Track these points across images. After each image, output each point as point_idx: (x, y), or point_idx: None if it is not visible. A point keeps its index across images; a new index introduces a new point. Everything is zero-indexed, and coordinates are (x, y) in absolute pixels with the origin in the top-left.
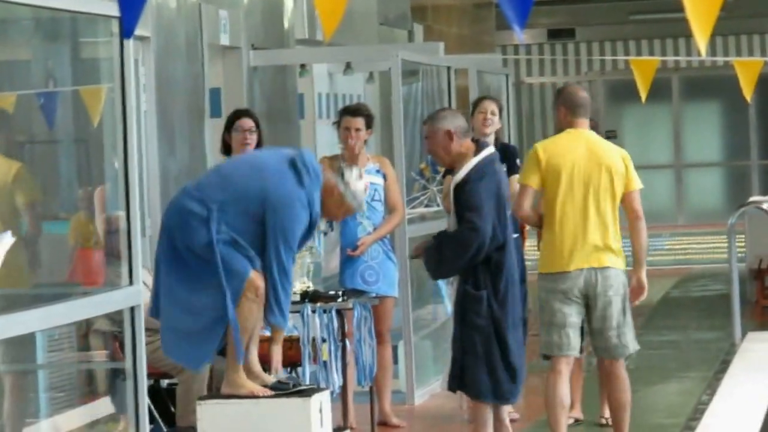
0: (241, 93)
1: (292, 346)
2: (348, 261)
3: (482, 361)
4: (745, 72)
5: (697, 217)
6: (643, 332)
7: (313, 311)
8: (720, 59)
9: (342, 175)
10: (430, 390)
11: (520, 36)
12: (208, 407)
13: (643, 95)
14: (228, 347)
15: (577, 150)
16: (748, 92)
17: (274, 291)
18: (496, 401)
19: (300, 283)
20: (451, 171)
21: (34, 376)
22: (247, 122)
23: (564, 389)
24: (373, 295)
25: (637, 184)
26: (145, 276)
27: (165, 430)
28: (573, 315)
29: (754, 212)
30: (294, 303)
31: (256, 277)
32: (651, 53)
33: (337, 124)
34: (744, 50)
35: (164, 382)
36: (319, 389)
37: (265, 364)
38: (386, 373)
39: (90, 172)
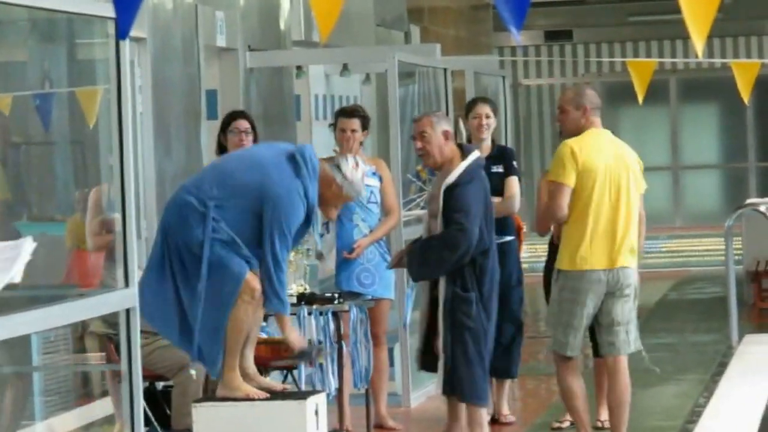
0: (238, 94)
1: (287, 348)
2: (344, 263)
3: (475, 363)
4: (743, 74)
5: (694, 219)
6: (640, 334)
7: (310, 313)
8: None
9: (338, 167)
10: (426, 392)
11: (517, 37)
12: (204, 410)
13: (641, 97)
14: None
15: (607, 150)
16: (745, 94)
17: (269, 281)
18: (486, 402)
19: (296, 285)
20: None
21: (29, 378)
22: (243, 123)
23: (582, 384)
24: (369, 297)
25: (644, 186)
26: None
27: None
28: (589, 317)
29: (752, 214)
30: (290, 305)
31: (252, 279)
32: (648, 55)
33: (333, 125)
34: (742, 52)
35: (160, 385)
36: (315, 392)
37: (261, 366)
38: (382, 375)
39: (86, 174)
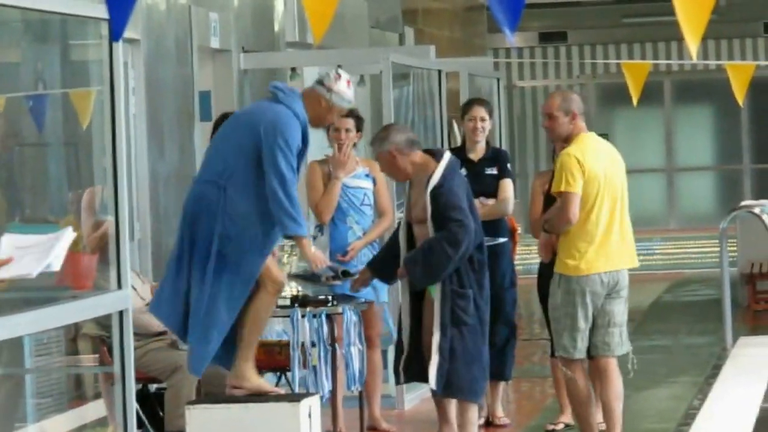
0: (231, 96)
1: (281, 350)
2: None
3: (474, 360)
4: (738, 76)
5: (688, 221)
6: (634, 337)
7: (303, 316)
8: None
9: (321, 83)
10: (420, 395)
11: (510, 39)
12: (197, 412)
13: (635, 99)
14: (238, 341)
15: (603, 155)
16: (740, 96)
17: (278, 202)
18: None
19: (290, 288)
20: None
21: (21, 380)
22: None
23: (590, 387)
24: (363, 300)
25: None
26: (133, 279)
27: None
28: (591, 319)
29: (746, 216)
30: (284, 308)
31: (277, 272)
32: (643, 57)
33: (327, 126)
34: (736, 54)
35: (153, 387)
36: (308, 394)
37: (259, 368)
38: (376, 377)
39: (79, 175)
